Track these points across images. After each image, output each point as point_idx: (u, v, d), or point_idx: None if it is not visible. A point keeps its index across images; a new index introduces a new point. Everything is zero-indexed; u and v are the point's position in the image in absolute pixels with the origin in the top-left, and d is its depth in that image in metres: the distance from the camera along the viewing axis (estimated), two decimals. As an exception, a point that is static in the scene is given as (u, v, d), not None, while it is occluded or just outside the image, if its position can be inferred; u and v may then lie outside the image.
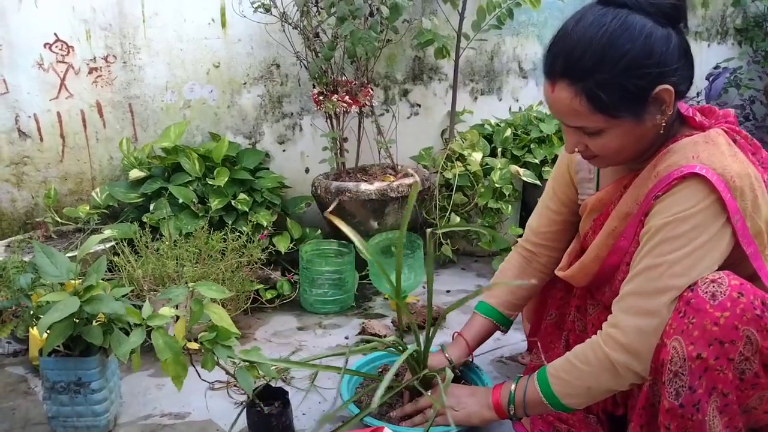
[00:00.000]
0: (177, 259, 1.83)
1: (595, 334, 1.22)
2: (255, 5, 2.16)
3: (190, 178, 2.13)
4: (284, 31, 2.22)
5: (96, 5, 2.13)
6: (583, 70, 1.04)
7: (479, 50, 2.66)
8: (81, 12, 2.12)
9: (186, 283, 1.38)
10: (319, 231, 2.32)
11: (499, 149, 2.50)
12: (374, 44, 2.03)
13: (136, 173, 2.14)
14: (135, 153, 2.20)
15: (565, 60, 1.06)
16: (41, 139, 2.17)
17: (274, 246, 2.13)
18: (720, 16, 3.27)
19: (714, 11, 3.24)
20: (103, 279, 1.30)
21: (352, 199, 2.14)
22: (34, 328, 1.43)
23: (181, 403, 1.52)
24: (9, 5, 2.05)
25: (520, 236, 2.36)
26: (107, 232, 1.94)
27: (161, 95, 2.27)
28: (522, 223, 2.55)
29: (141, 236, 1.90)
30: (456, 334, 1.48)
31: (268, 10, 2.15)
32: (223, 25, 2.28)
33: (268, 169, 2.38)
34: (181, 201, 2.07)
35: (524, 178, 2.41)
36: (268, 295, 2.05)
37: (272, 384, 1.38)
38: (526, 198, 2.57)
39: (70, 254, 1.81)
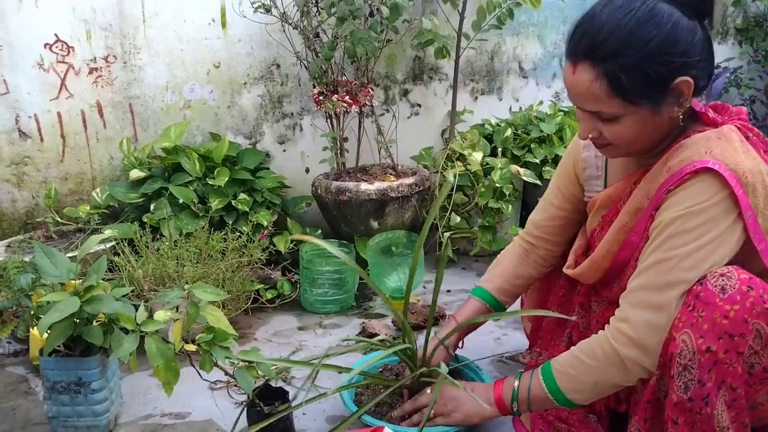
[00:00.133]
0: (177, 259, 1.84)
1: (600, 330, 1.22)
2: (255, 5, 2.16)
3: (191, 178, 2.14)
4: (284, 31, 2.22)
5: (96, 5, 2.13)
6: (607, 53, 1.04)
7: (479, 50, 2.66)
8: (81, 12, 2.12)
9: (185, 284, 1.38)
10: (320, 231, 2.32)
11: (500, 149, 2.50)
12: (374, 44, 2.03)
13: (136, 173, 2.15)
14: (135, 153, 2.20)
15: (590, 41, 1.06)
16: (42, 140, 2.18)
17: (274, 246, 2.13)
18: (720, 16, 3.27)
19: (714, 11, 3.24)
20: (103, 279, 1.30)
21: (353, 199, 2.14)
22: (35, 328, 1.43)
23: (182, 403, 1.52)
24: (9, 6, 2.05)
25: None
26: (107, 232, 1.94)
27: (161, 95, 2.27)
28: (522, 223, 2.54)
29: (141, 236, 1.90)
30: (450, 316, 1.49)
31: (268, 11, 2.15)
32: (224, 25, 2.28)
33: (268, 169, 2.38)
34: (181, 201, 2.07)
35: (524, 178, 2.41)
36: (269, 295, 2.05)
37: (272, 384, 1.38)
38: (527, 198, 2.57)
39: (70, 254, 1.81)
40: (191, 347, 1.28)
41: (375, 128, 2.32)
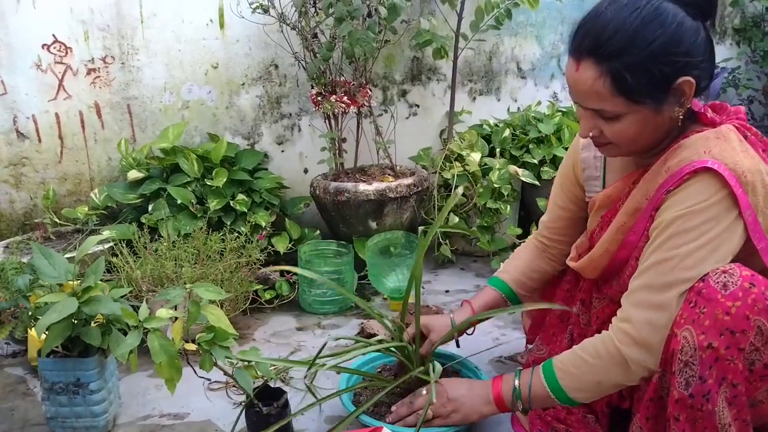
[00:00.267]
0: (176, 260, 1.83)
1: (600, 327, 1.22)
2: (253, 6, 2.16)
3: (189, 179, 2.13)
4: (282, 31, 2.22)
5: (94, 6, 2.13)
6: (611, 51, 1.05)
7: (478, 50, 2.66)
8: (79, 13, 2.12)
9: (184, 284, 1.38)
10: (318, 231, 2.33)
11: (498, 149, 2.50)
12: (372, 45, 2.03)
13: (134, 174, 2.14)
14: (133, 154, 2.20)
15: (594, 39, 1.06)
16: (39, 140, 2.17)
17: (272, 246, 2.13)
18: (718, 16, 3.27)
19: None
20: (101, 280, 1.30)
21: (351, 199, 2.14)
22: (33, 329, 1.43)
23: (180, 404, 1.52)
24: (7, 6, 2.05)
25: (519, 236, 2.39)
26: (106, 233, 1.93)
27: (159, 96, 2.27)
28: (521, 223, 2.55)
29: (139, 237, 1.90)
30: (464, 301, 1.50)
31: (266, 11, 2.15)
32: (222, 25, 2.28)
33: (266, 169, 2.38)
34: (179, 202, 2.07)
35: (523, 179, 2.41)
36: (267, 296, 2.05)
37: (271, 384, 1.38)
38: (525, 198, 2.58)
39: (68, 255, 1.81)
40: (191, 346, 1.28)
41: (373, 129, 2.32)
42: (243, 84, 2.35)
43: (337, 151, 2.27)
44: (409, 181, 2.22)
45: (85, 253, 1.33)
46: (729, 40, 3.32)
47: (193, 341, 1.26)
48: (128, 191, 2.15)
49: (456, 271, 2.41)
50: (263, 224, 2.10)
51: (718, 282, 1.03)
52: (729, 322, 1.01)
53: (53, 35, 2.11)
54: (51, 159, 2.20)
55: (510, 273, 1.50)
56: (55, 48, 2.12)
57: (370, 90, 2.25)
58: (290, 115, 2.44)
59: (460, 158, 2.42)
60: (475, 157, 2.40)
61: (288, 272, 2.16)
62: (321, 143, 2.34)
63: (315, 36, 2.16)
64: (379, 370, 1.53)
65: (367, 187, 2.14)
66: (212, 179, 2.13)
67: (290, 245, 2.19)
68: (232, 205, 2.12)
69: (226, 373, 1.27)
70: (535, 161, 2.45)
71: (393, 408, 1.33)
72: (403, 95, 2.59)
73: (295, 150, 2.48)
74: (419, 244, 1.44)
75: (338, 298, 2.07)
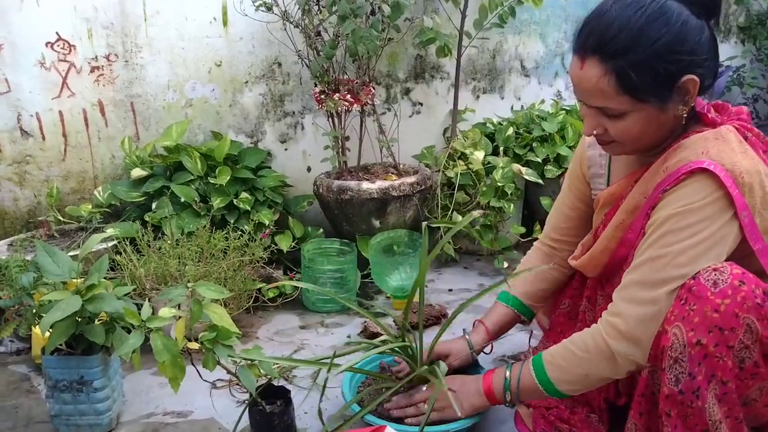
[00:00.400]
0: (179, 258, 1.84)
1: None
2: (257, 4, 2.16)
3: (192, 177, 2.13)
4: (286, 29, 2.22)
5: (98, 4, 2.13)
6: (616, 49, 1.05)
7: (481, 49, 2.65)
8: (83, 11, 2.12)
9: (187, 282, 1.38)
10: (321, 230, 2.33)
11: (501, 148, 2.50)
12: (376, 43, 2.02)
13: (138, 172, 2.15)
14: (137, 152, 2.20)
15: (599, 37, 1.06)
16: (43, 138, 2.18)
17: (276, 245, 2.13)
18: (723, 14, 3.26)
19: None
20: (105, 278, 1.30)
21: (354, 197, 2.14)
22: (37, 326, 1.43)
23: (184, 402, 1.52)
24: (11, 4, 2.05)
25: (522, 235, 2.39)
26: (109, 231, 1.94)
27: (163, 94, 2.27)
28: (524, 222, 2.55)
29: (143, 235, 1.90)
30: (476, 321, 1.49)
31: (269, 9, 2.15)
32: (225, 23, 2.28)
33: (269, 168, 2.38)
34: (183, 200, 2.07)
35: (526, 177, 2.40)
36: (270, 294, 2.05)
37: (274, 383, 1.38)
38: (529, 197, 2.57)
39: (72, 253, 1.81)
40: (194, 345, 1.28)
41: (376, 127, 2.32)
42: (246, 82, 2.35)
43: (340, 150, 2.27)
44: (412, 179, 2.22)
45: (88, 251, 1.33)
46: (734, 38, 3.30)
47: (196, 340, 1.26)
48: (132, 189, 2.15)
49: (459, 270, 2.40)
50: (266, 222, 2.10)
51: (708, 279, 1.03)
52: (718, 320, 1.01)
53: (57, 33, 2.11)
54: (55, 157, 2.20)
55: (519, 286, 1.48)
56: (58, 46, 2.12)
57: (374, 88, 2.25)
58: (293, 113, 2.44)
59: (463, 157, 2.41)
60: (479, 155, 2.40)
61: (291, 270, 2.16)
62: (324, 141, 2.34)
63: (318, 34, 2.16)
64: (379, 370, 1.53)
65: (371, 186, 2.14)
66: (215, 177, 2.13)
67: (293, 244, 2.19)
68: (235, 203, 2.12)
69: (229, 372, 1.27)
70: (539, 160, 2.45)
71: (393, 398, 1.34)
72: (406, 93, 2.59)
73: (299, 148, 2.48)
74: (423, 240, 1.44)
75: (341, 297, 2.07)
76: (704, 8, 1.07)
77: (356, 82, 2.20)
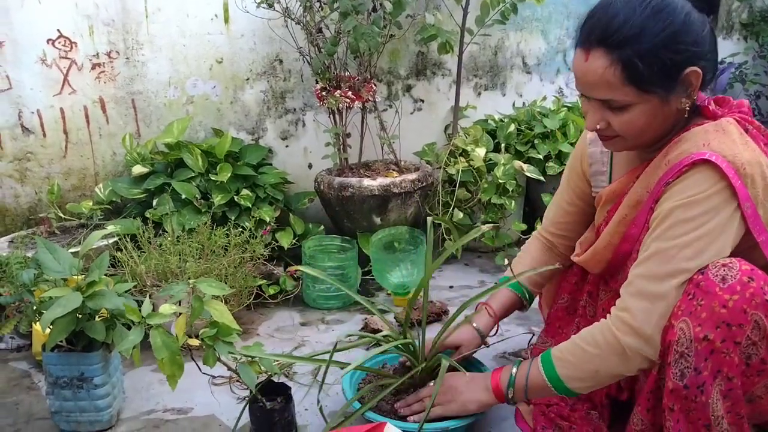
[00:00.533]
0: (180, 255, 1.84)
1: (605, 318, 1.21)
2: (258, 1, 2.15)
3: (193, 174, 2.13)
4: (287, 26, 2.22)
5: (99, 1, 2.13)
6: (622, 39, 1.05)
7: (483, 45, 2.65)
8: (84, 8, 2.12)
9: (188, 279, 1.38)
10: (322, 227, 2.32)
11: (503, 145, 2.49)
12: (377, 39, 2.02)
13: (139, 169, 2.15)
14: (138, 149, 2.20)
15: (604, 28, 1.07)
16: (44, 135, 2.18)
17: (276, 242, 2.13)
18: (725, 11, 3.24)
19: (719, 7, 3.22)
20: (105, 274, 1.30)
21: (355, 194, 2.13)
22: (37, 323, 1.43)
23: (184, 399, 1.52)
24: (12, 1, 2.05)
25: (523, 232, 2.38)
26: (110, 228, 1.94)
27: (164, 91, 2.27)
28: (525, 219, 2.54)
29: (144, 232, 1.90)
30: (480, 304, 1.47)
31: (271, 6, 2.14)
32: (226, 20, 2.28)
33: (270, 164, 2.38)
34: (184, 197, 2.07)
35: (528, 174, 2.40)
36: (271, 291, 2.05)
37: (275, 379, 1.38)
38: (530, 194, 2.57)
39: (73, 250, 1.81)
40: (194, 342, 1.28)
41: (378, 124, 2.32)
42: (247, 79, 2.35)
43: (341, 147, 2.27)
44: (413, 176, 2.21)
45: (89, 247, 1.33)
46: (736, 35, 3.29)
47: (197, 336, 1.26)
48: (133, 186, 2.15)
49: (460, 267, 2.40)
50: (267, 219, 2.10)
51: (717, 275, 1.03)
52: (726, 315, 1.01)
53: (58, 30, 2.11)
54: (56, 154, 2.20)
55: (519, 270, 1.46)
56: (59, 43, 2.12)
57: (375, 85, 2.24)
58: (295, 110, 2.44)
59: (464, 153, 2.41)
60: (480, 152, 2.40)
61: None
62: (325, 138, 2.33)
63: (320, 31, 2.15)
64: (381, 367, 1.53)
65: (372, 183, 2.14)
66: (216, 174, 2.13)
67: (294, 240, 2.19)
68: (236, 200, 2.12)
69: (229, 368, 1.27)
70: (540, 157, 2.44)
71: (406, 398, 1.34)
72: (407, 90, 2.58)
73: (300, 145, 2.47)
74: (428, 235, 1.44)
75: (342, 294, 2.07)
76: (705, 3, 1.08)
77: (357, 79, 2.20)
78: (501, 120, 2.61)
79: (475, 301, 1.41)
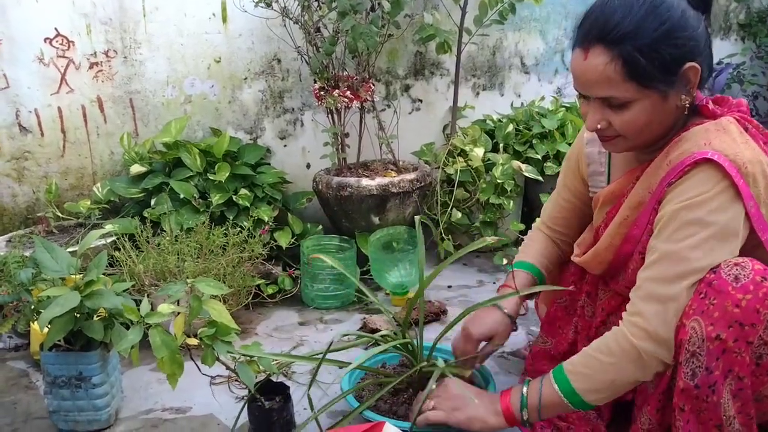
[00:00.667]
0: (178, 254, 1.83)
1: (605, 318, 1.20)
2: (256, 0, 2.15)
3: (191, 174, 2.13)
4: (285, 25, 2.22)
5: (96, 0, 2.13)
6: (622, 34, 1.05)
7: (481, 45, 2.65)
8: (81, 6, 2.12)
9: (186, 278, 1.38)
10: (320, 226, 2.32)
11: (501, 145, 2.49)
12: (375, 39, 2.02)
13: (137, 168, 2.14)
14: (136, 148, 2.19)
15: (603, 25, 1.07)
16: (42, 134, 2.17)
17: (275, 241, 2.13)
18: (723, 12, 3.25)
19: (717, 6, 3.23)
20: (103, 274, 1.30)
21: (354, 194, 2.13)
22: (35, 322, 1.43)
23: (183, 398, 1.52)
24: (9, 0, 2.04)
25: (521, 232, 2.39)
26: (108, 227, 1.92)
27: (162, 90, 2.26)
28: (524, 219, 2.54)
29: (142, 231, 1.90)
30: (502, 287, 1.40)
31: (269, 5, 2.14)
32: (224, 19, 2.27)
33: (269, 164, 2.38)
34: (182, 196, 2.07)
35: (526, 174, 2.40)
36: (270, 291, 2.05)
37: (273, 379, 1.38)
38: (528, 194, 2.57)
39: (71, 249, 1.81)
40: (193, 341, 1.28)
41: (376, 124, 2.32)
42: (245, 78, 2.35)
43: (339, 146, 2.27)
44: (411, 176, 2.21)
45: (87, 247, 1.32)
46: (734, 35, 3.30)
47: (195, 336, 1.26)
48: (131, 185, 2.15)
49: (458, 267, 2.40)
50: (266, 219, 2.10)
51: (729, 274, 1.02)
52: (738, 315, 1.00)
53: (55, 29, 2.11)
54: (53, 153, 2.20)
55: (532, 256, 1.43)
56: (57, 42, 2.12)
57: (373, 85, 2.24)
58: (293, 109, 2.44)
59: (463, 153, 2.41)
60: (478, 152, 2.40)
61: (291, 267, 2.16)
62: (324, 138, 2.33)
63: (318, 30, 2.15)
64: (380, 366, 1.53)
65: (370, 182, 2.14)
66: (215, 174, 2.12)
67: (293, 240, 2.19)
68: (234, 199, 2.12)
69: (228, 368, 1.27)
70: (539, 157, 2.44)
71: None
72: (406, 90, 2.58)
73: (298, 145, 2.47)
74: (418, 233, 1.44)
75: (340, 293, 2.07)
76: (700, 1, 1.09)
77: (356, 79, 2.20)
78: (499, 120, 2.61)
79: (480, 306, 1.37)
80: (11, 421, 1.46)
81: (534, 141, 2.49)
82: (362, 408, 1.28)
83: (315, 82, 2.21)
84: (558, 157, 2.46)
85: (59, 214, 2.12)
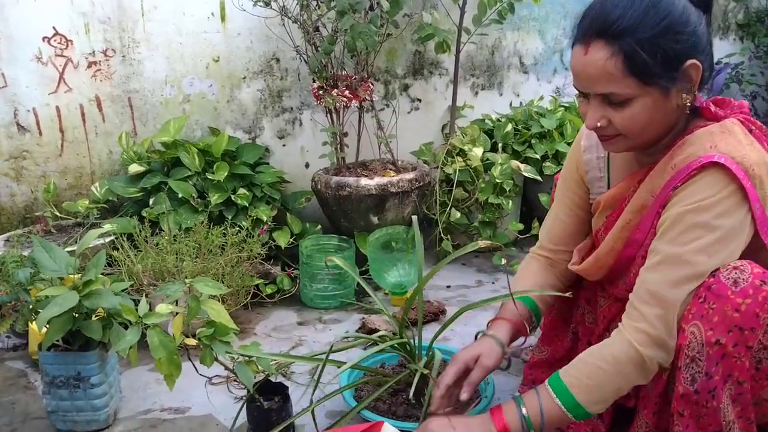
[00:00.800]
0: (176, 254, 1.83)
1: (607, 326, 1.19)
2: (255, -1, 2.15)
3: (190, 173, 2.13)
4: (284, 25, 2.21)
5: (95, -1, 2.12)
6: (623, 29, 1.04)
7: (480, 45, 2.65)
8: (79, 5, 2.11)
9: (185, 278, 1.38)
10: (319, 226, 2.32)
11: (500, 144, 2.49)
12: (374, 38, 2.02)
13: (135, 168, 2.14)
14: (134, 147, 2.19)
15: (604, 20, 1.06)
16: (40, 134, 2.16)
17: (274, 241, 2.13)
18: (722, 11, 3.26)
19: (716, 6, 3.23)
20: (102, 273, 1.30)
21: (353, 194, 2.13)
22: (34, 322, 1.43)
23: (181, 398, 1.52)
24: (7, -2, 2.04)
25: (520, 232, 2.39)
26: (106, 227, 1.92)
27: (160, 89, 2.26)
28: (522, 219, 2.54)
29: (140, 231, 1.90)
30: (492, 321, 1.33)
31: (267, 4, 2.14)
32: (223, 18, 2.27)
33: (267, 163, 2.37)
34: (180, 196, 2.06)
35: (525, 174, 2.40)
36: (268, 290, 2.05)
37: (272, 379, 1.37)
38: (527, 193, 2.57)
39: (69, 249, 1.80)
40: (191, 341, 1.27)
41: (375, 123, 2.32)
42: (244, 77, 2.34)
43: (338, 146, 2.26)
44: (410, 176, 2.21)
45: (85, 246, 1.32)
46: (732, 35, 3.31)
47: (194, 336, 1.26)
48: (129, 185, 2.15)
49: (457, 267, 2.40)
50: (264, 219, 2.10)
51: (728, 278, 1.02)
52: (738, 319, 1.00)
53: (54, 28, 2.10)
54: (52, 152, 2.19)
55: (525, 287, 1.36)
56: (55, 41, 2.11)
57: (372, 84, 2.24)
58: (292, 109, 2.43)
59: (462, 153, 2.41)
60: (477, 152, 2.40)
61: (289, 266, 2.16)
62: (322, 137, 2.33)
63: (317, 29, 2.15)
64: (379, 366, 1.53)
65: (369, 182, 2.14)
66: (213, 173, 2.12)
67: (291, 240, 2.18)
68: (233, 199, 2.12)
69: (227, 368, 1.27)
70: (538, 156, 2.44)
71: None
72: (405, 89, 2.58)
73: (297, 144, 2.47)
74: (416, 233, 1.43)
75: (339, 293, 2.07)
76: (701, 0, 1.08)
77: (355, 78, 2.19)
78: (498, 120, 2.61)
79: (476, 306, 1.35)
80: (9, 421, 1.45)
81: (533, 141, 2.49)
82: (360, 407, 1.28)
83: (314, 81, 2.21)
84: (557, 157, 2.46)
85: (57, 214, 2.11)
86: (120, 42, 2.18)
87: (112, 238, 1.92)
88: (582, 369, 1.09)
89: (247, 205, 2.11)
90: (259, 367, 1.29)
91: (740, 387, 1.03)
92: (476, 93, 2.72)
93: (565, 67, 2.86)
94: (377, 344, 1.37)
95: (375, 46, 2.10)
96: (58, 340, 1.31)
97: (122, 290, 1.31)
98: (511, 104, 2.79)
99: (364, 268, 2.16)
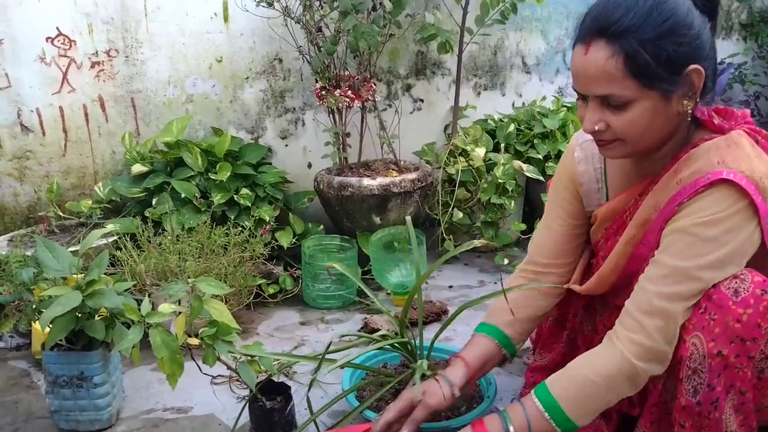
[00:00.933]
0: (179, 254, 1.83)
1: (606, 336, 1.18)
2: (257, -1, 2.15)
3: (193, 173, 2.13)
4: (287, 25, 2.22)
5: (98, -1, 2.13)
6: (625, 28, 1.01)
7: (482, 45, 2.65)
8: (83, 6, 2.12)
9: (188, 278, 1.38)
10: (322, 226, 2.32)
11: (502, 144, 2.49)
12: (377, 39, 2.02)
13: (138, 168, 2.14)
14: (137, 147, 2.19)
15: (605, 20, 1.03)
16: (43, 134, 2.17)
17: (276, 241, 2.13)
18: (725, 11, 3.25)
19: (718, 10, 3.22)
20: (105, 273, 1.30)
21: (355, 194, 2.13)
22: (37, 322, 1.43)
23: (184, 398, 1.52)
24: (11, -1, 2.04)
25: (523, 232, 2.38)
26: (110, 227, 1.92)
27: (163, 90, 2.26)
28: (525, 219, 2.54)
29: (143, 231, 1.90)
30: (452, 357, 1.30)
31: (270, 5, 2.14)
32: (226, 19, 2.27)
33: (270, 164, 2.38)
34: (183, 196, 2.07)
35: (527, 174, 2.40)
36: (271, 290, 2.05)
37: (274, 379, 1.38)
38: (529, 194, 2.57)
39: (72, 248, 1.81)
40: (194, 341, 1.28)
41: (377, 123, 2.32)
42: (247, 78, 2.35)
43: (341, 146, 2.27)
44: (413, 176, 2.21)
45: (88, 246, 1.33)
46: (735, 35, 3.30)
47: (197, 336, 1.26)
48: (132, 185, 2.15)
49: (460, 267, 2.40)
50: (267, 219, 2.10)
51: (729, 288, 1.00)
52: (740, 330, 0.99)
53: (57, 28, 2.11)
54: (55, 152, 2.20)
55: (500, 315, 1.31)
56: (59, 41, 2.12)
57: (375, 84, 2.24)
58: (294, 109, 2.44)
59: (464, 153, 2.41)
60: (480, 152, 2.40)
61: (292, 267, 2.16)
62: (325, 138, 2.33)
63: (319, 30, 2.15)
64: (381, 366, 1.53)
65: (371, 182, 2.14)
66: (216, 173, 2.12)
67: (294, 240, 2.19)
68: (235, 199, 2.12)
69: (229, 368, 1.27)
70: (540, 156, 2.44)
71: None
72: (407, 90, 2.58)
73: (299, 144, 2.47)
74: (410, 234, 1.43)
75: (341, 293, 2.07)
76: (706, 6, 1.05)
77: (357, 78, 2.20)
78: (500, 120, 2.61)
79: (476, 302, 1.36)
80: (12, 421, 1.46)
81: (535, 141, 2.49)
82: (362, 407, 1.28)
83: (316, 81, 2.21)
84: (559, 157, 2.46)
85: (61, 214, 2.12)
86: (123, 42, 2.18)
87: (115, 238, 1.93)
88: (572, 381, 1.07)
89: (249, 205, 2.11)
90: (262, 366, 1.29)
91: (743, 397, 1.02)
92: (479, 93, 2.72)
93: (568, 67, 2.85)
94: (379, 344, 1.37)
95: (378, 46, 2.10)
96: (61, 340, 1.32)
97: (125, 290, 1.32)
98: (513, 104, 2.78)
99: (366, 269, 2.17)
